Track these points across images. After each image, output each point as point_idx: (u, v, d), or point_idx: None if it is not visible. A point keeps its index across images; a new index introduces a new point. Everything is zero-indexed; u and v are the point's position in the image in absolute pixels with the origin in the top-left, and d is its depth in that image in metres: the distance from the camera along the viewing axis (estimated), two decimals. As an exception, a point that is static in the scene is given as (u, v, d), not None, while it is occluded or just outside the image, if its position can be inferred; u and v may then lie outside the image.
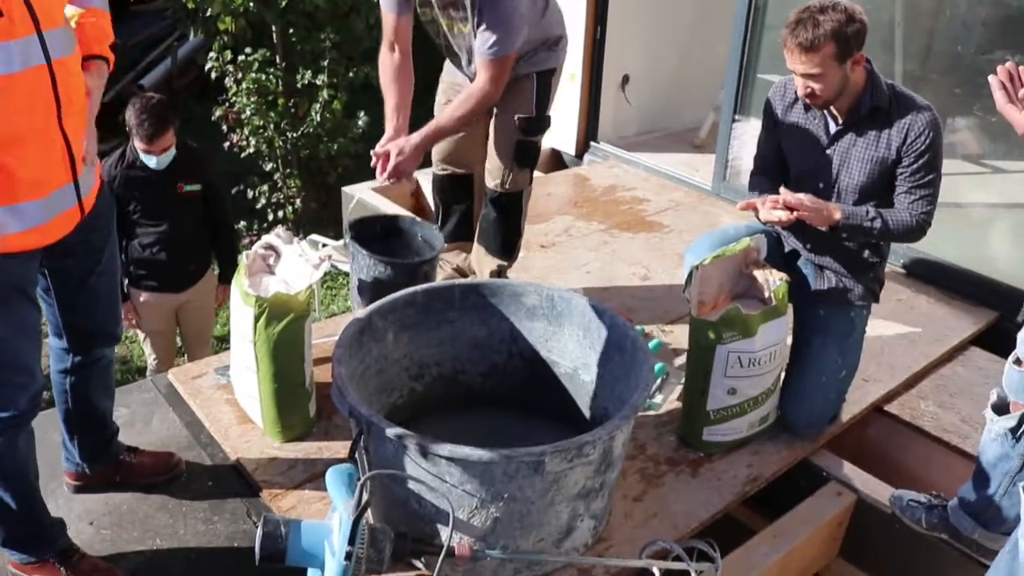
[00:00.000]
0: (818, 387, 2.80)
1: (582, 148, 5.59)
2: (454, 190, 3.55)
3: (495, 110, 3.26)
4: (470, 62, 3.16)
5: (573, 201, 4.76)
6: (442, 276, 3.66)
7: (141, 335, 4.23)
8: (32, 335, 2.11)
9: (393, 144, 3.00)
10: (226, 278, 4.18)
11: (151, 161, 3.55)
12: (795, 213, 2.52)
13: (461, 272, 3.66)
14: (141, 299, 3.91)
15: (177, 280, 3.93)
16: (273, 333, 2.50)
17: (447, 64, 3.42)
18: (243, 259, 2.72)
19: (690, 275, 2.63)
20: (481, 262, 3.53)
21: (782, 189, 2.56)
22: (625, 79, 5.58)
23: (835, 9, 2.41)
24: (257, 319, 2.49)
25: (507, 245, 3.49)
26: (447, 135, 3.20)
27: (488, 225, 3.44)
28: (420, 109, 3.27)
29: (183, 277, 3.95)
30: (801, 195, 2.55)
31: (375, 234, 3.13)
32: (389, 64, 3.14)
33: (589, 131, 5.58)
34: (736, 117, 4.70)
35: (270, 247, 2.73)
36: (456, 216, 3.59)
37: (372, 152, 3.09)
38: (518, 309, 2.63)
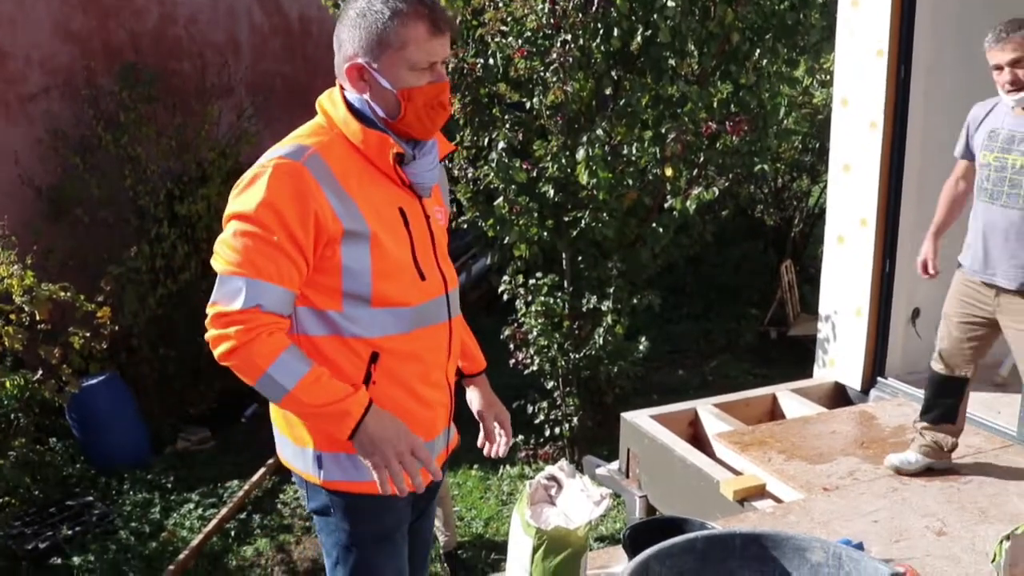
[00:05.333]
0: None
1: (868, 383, 5.36)
2: (948, 389, 4.01)
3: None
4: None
5: (859, 441, 4.53)
6: (919, 443, 4.07)
7: None
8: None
9: None
10: None
11: None
12: None
13: (938, 446, 4.04)
14: None
15: None
16: (550, 566, 2.55)
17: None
18: (527, 487, 2.83)
19: (1000, 543, 2.42)
20: None
21: None
22: (915, 313, 5.38)
23: None
24: (535, 550, 2.56)
25: None
26: None
27: None
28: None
29: None
30: None
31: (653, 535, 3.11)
32: (951, 192, 4.03)
33: (876, 365, 5.36)
34: (1045, 352, 4.34)
35: (553, 478, 2.82)
36: (941, 408, 4.03)
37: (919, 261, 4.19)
38: (801, 564, 2.50)
